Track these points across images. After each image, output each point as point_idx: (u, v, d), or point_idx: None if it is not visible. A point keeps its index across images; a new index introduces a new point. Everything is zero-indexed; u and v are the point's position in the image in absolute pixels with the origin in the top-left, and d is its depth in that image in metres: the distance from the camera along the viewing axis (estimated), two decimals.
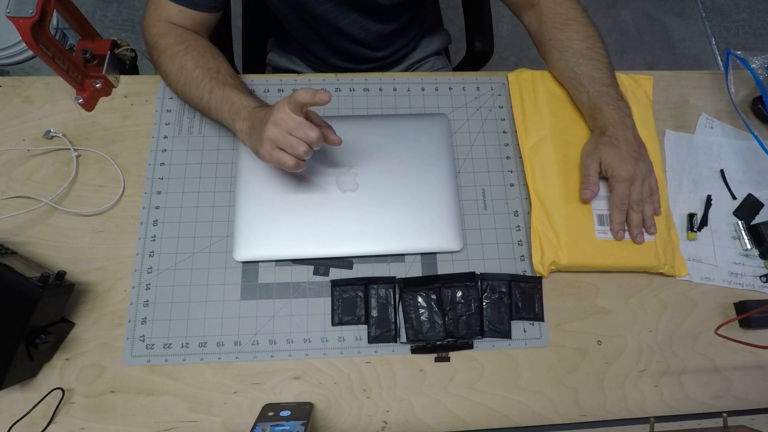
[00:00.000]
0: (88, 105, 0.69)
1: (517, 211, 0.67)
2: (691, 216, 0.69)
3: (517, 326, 0.62)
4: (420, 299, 0.62)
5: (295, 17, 0.78)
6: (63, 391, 0.56)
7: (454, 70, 0.97)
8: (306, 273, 0.63)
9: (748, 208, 0.70)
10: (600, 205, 0.66)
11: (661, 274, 0.65)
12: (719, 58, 1.83)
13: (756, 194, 0.70)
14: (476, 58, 0.91)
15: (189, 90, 0.63)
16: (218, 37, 0.72)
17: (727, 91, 0.76)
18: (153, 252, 0.63)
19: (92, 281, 0.61)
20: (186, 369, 0.59)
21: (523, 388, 0.60)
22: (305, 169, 0.57)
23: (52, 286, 0.53)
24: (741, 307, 0.65)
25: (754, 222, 0.69)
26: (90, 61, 0.70)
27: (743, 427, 0.52)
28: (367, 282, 0.62)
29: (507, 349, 0.61)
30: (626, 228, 0.65)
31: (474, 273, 0.63)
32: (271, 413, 0.53)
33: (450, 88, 0.74)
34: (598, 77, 0.66)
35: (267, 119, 0.55)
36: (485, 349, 0.61)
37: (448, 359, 0.60)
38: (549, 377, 0.60)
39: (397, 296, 0.62)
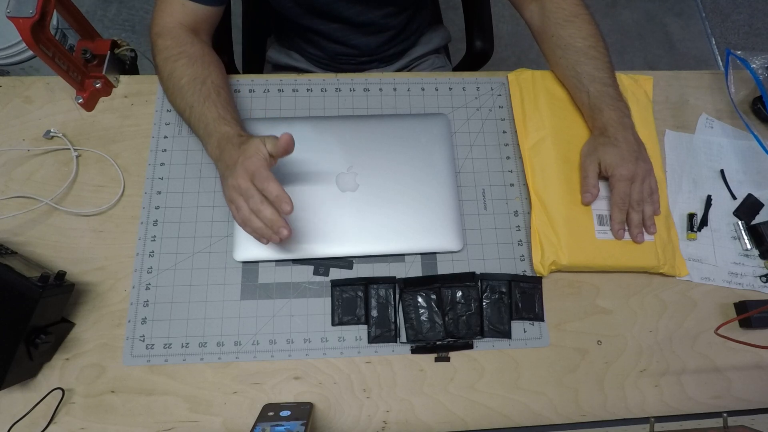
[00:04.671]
0: (88, 105, 0.69)
1: (517, 211, 0.67)
2: (691, 216, 0.69)
3: (517, 326, 0.62)
4: (420, 299, 0.62)
5: (298, 10, 0.77)
6: (63, 391, 0.56)
7: (454, 69, 0.97)
8: (306, 273, 0.63)
9: (748, 208, 0.70)
10: (600, 205, 0.66)
11: (661, 274, 0.65)
12: (719, 58, 1.83)
13: (756, 194, 0.70)
14: (476, 58, 0.91)
15: (175, 100, 0.63)
16: (218, 37, 0.72)
17: (727, 91, 0.76)
18: (153, 252, 0.63)
19: (92, 281, 0.61)
20: (186, 369, 0.59)
21: (523, 388, 0.60)
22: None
23: (52, 286, 0.53)
24: (741, 307, 0.65)
25: (754, 222, 0.69)
26: (90, 61, 0.70)
27: (743, 427, 0.52)
28: (367, 282, 0.62)
29: (507, 349, 0.61)
30: (626, 227, 0.65)
31: (474, 273, 0.63)
32: (271, 413, 0.53)
33: (450, 88, 0.74)
34: (598, 77, 0.66)
35: (233, 169, 0.54)
36: (485, 349, 0.61)
37: (448, 359, 0.60)
38: (549, 377, 0.60)
39: (397, 296, 0.62)
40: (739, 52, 0.75)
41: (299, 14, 0.79)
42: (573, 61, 0.67)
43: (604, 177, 0.66)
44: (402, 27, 0.86)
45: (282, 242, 0.60)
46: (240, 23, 0.98)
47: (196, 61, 0.63)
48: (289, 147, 0.54)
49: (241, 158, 0.54)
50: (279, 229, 0.52)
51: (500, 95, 0.74)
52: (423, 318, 0.61)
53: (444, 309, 0.62)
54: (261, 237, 0.55)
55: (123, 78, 0.72)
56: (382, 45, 0.87)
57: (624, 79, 0.74)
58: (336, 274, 0.63)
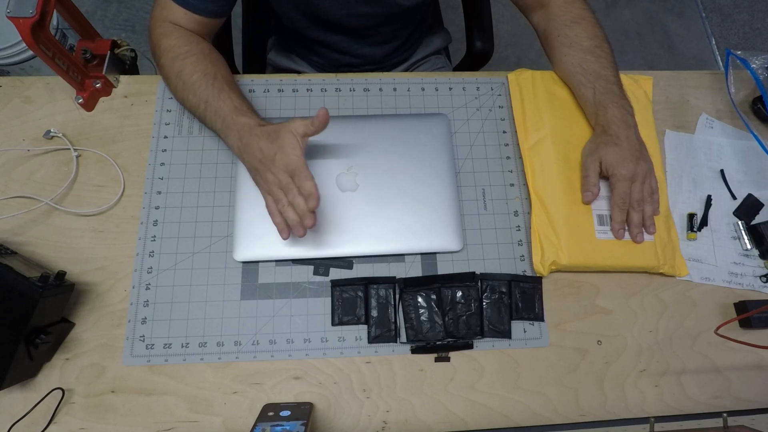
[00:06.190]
0: (88, 105, 0.69)
1: (517, 211, 0.67)
2: (691, 216, 0.69)
3: (517, 326, 0.62)
4: (420, 299, 0.62)
5: (306, 23, 0.78)
6: (63, 391, 0.56)
7: (454, 70, 0.97)
8: (306, 273, 0.63)
9: (748, 208, 0.70)
10: (600, 205, 0.66)
11: (661, 274, 0.65)
12: (719, 58, 1.83)
13: (756, 194, 0.70)
14: (476, 58, 0.91)
15: (187, 96, 0.63)
16: (218, 37, 0.72)
17: (727, 91, 0.76)
18: (153, 252, 0.63)
19: (92, 281, 0.61)
20: (186, 369, 0.59)
21: (523, 388, 0.60)
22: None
23: (52, 286, 0.53)
24: (741, 307, 0.65)
25: (754, 222, 0.69)
26: (90, 61, 0.70)
27: (743, 427, 0.52)
28: (367, 282, 0.62)
29: (507, 349, 0.61)
30: (626, 227, 0.65)
31: (474, 273, 0.63)
32: (271, 413, 0.53)
33: (450, 88, 0.74)
34: (604, 74, 0.67)
35: (269, 163, 0.56)
36: (485, 349, 0.61)
37: (448, 359, 0.60)
38: (549, 377, 0.60)
39: (397, 296, 0.62)
40: (739, 52, 0.75)
41: (307, 27, 0.79)
42: (579, 59, 0.68)
43: (604, 176, 0.66)
44: (407, 37, 0.86)
45: (297, 238, 0.61)
46: (240, 23, 0.98)
47: (204, 59, 0.64)
48: (325, 122, 0.56)
49: (279, 154, 0.55)
50: (306, 219, 0.55)
51: (500, 95, 0.74)
52: (423, 318, 0.61)
53: (444, 309, 0.62)
54: (294, 227, 0.56)
55: (123, 78, 0.72)
56: (387, 55, 0.87)
57: (624, 79, 0.73)
58: (336, 274, 0.63)
